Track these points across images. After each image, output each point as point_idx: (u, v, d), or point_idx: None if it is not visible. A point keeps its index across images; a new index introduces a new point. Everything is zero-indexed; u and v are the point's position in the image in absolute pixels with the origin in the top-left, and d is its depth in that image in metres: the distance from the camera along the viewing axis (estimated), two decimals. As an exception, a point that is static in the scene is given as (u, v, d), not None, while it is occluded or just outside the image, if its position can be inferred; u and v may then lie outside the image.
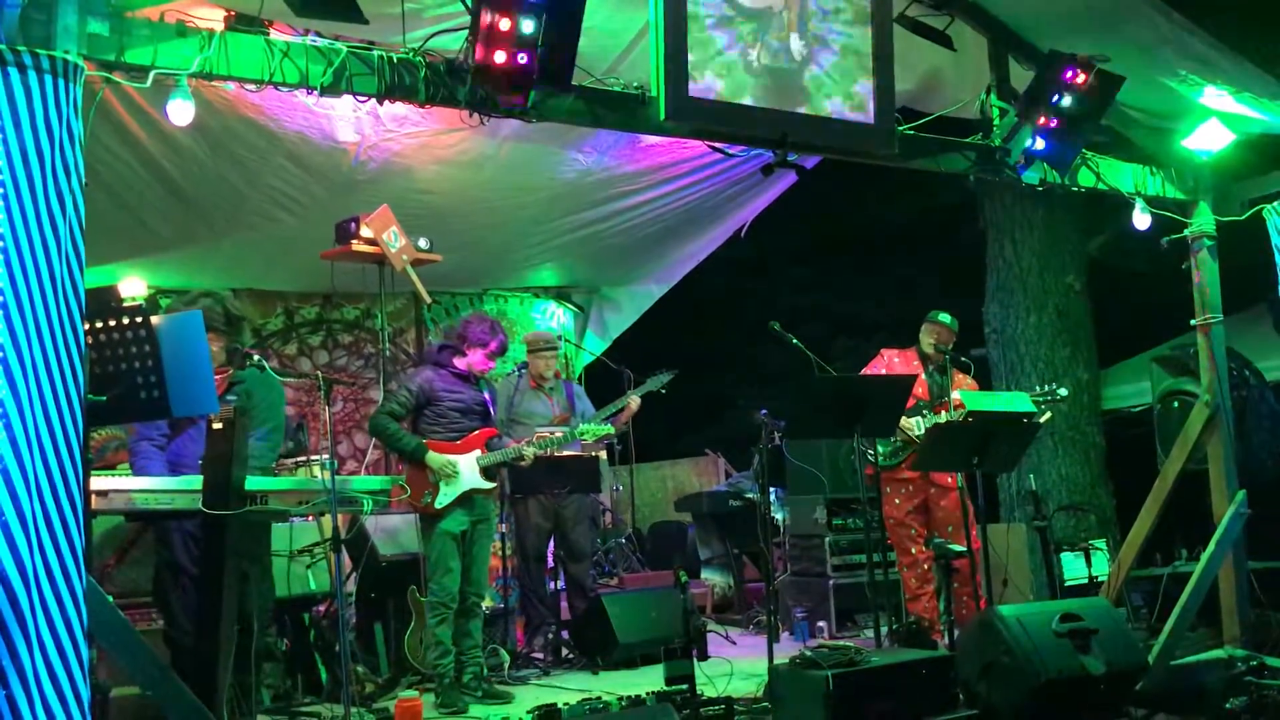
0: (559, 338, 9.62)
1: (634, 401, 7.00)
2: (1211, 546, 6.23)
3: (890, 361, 6.68)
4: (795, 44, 5.21)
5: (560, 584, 7.10)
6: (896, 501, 6.55)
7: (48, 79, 3.52)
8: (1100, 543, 7.65)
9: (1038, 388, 6.52)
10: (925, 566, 6.53)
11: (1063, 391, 6.43)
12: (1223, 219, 6.57)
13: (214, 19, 4.34)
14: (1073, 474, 8.78)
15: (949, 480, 6.43)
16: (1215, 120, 6.17)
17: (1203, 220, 6.58)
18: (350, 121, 6.24)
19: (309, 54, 4.39)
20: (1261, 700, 5.50)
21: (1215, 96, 6.05)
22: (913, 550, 6.53)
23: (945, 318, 6.61)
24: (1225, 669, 5.85)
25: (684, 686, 4.91)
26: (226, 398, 4.90)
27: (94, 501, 3.96)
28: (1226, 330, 6.61)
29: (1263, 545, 6.72)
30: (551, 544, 7.02)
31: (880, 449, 6.43)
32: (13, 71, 3.45)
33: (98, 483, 4.14)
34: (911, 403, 6.47)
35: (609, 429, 6.53)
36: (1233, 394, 6.54)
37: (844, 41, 5.33)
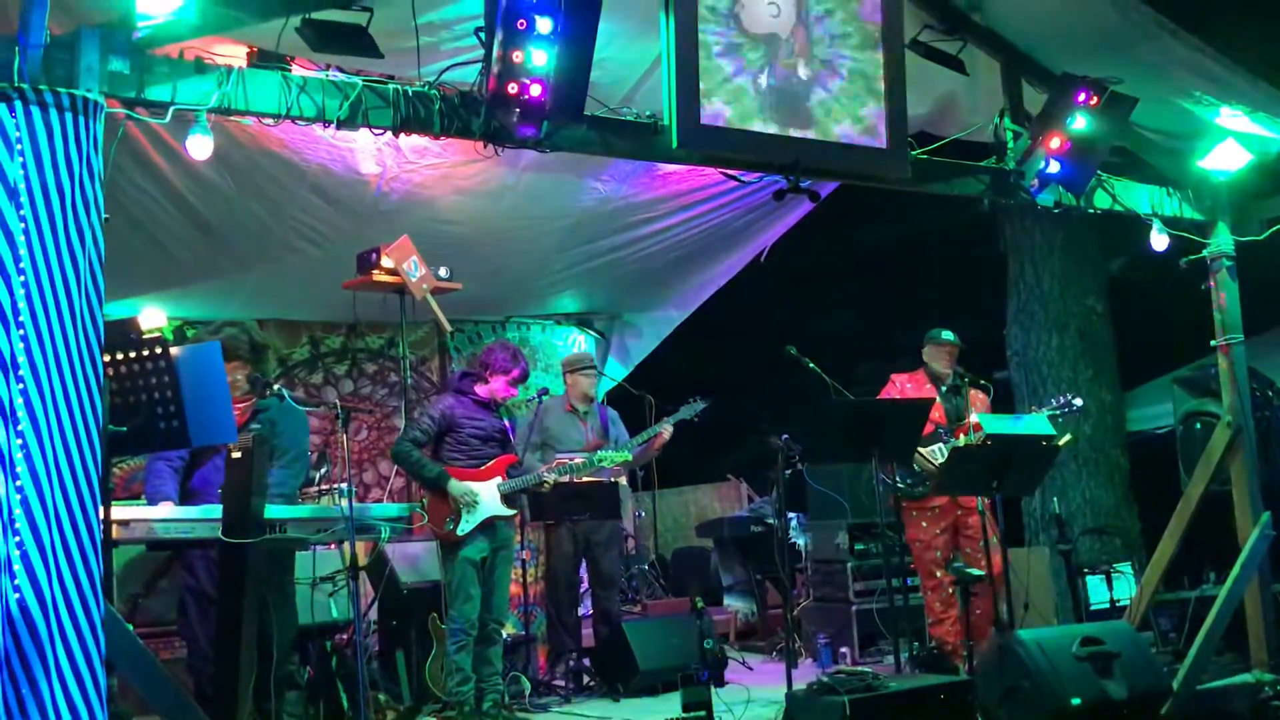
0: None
1: (666, 430, 6.91)
2: (1236, 569, 6.17)
3: (902, 387, 6.66)
4: (803, 69, 5.24)
5: (584, 610, 7.11)
6: (923, 525, 6.52)
7: (68, 116, 3.61)
8: (1125, 566, 7.58)
9: (1054, 400, 6.49)
10: (950, 590, 6.48)
11: (1078, 402, 6.40)
12: (1242, 239, 6.55)
13: (235, 55, 4.44)
14: (1097, 497, 8.72)
15: (974, 501, 6.41)
16: (1232, 140, 6.15)
17: (1221, 240, 6.55)
18: (372, 154, 6.34)
19: (325, 88, 4.47)
20: (1288, 725, 5.44)
21: (1230, 116, 6.04)
22: (937, 574, 6.50)
23: (950, 335, 6.61)
24: (1252, 694, 5.79)
25: (701, 713, 4.91)
26: (250, 426, 4.97)
27: (115, 531, 4.01)
28: (1248, 351, 6.57)
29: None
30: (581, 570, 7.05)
31: (902, 482, 6.42)
32: (34, 110, 3.55)
33: (119, 512, 4.20)
34: (930, 429, 6.45)
35: (628, 455, 6.55)
36: (1255, 415, 6.49)
37: (852, 66, 5.36)
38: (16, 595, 3.28)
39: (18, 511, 3.33)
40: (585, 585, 7.25)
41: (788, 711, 5.00)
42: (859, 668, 5.38)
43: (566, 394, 7.18)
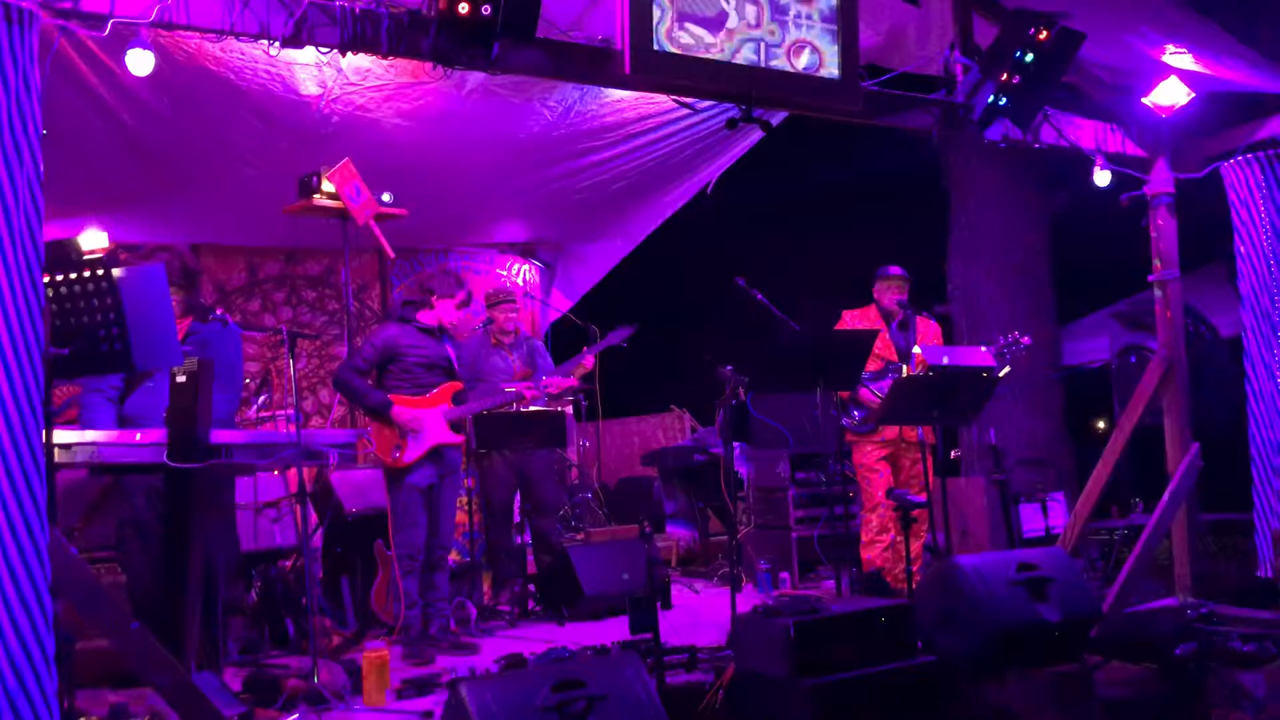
0: (526, 294, 9.64)
1: (588, 360, 6.98)
2: (1165, 498, 6.36)
3: (853, 324, 6.73)
4: (759, -2, 5.19)
5: (526, 538, 7.15)
6: (868, 449, 6.64)
7: (1, 27, 3.47)
8: (1059, 495, 7.77)
9: (1001, 339, 6.59)
10: (886, 515, 6.61)
11: (1026, 340, 6.51)
12: (1181, 176, 6.64)
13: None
14: (1033, 428, 8.90)
15: (914, 437, 6.53)
16: (1175, 78, 6.21)
17: (1162, 177, 6.64)
18: (313, 74, 6.18)
19: (269, 4, 4.34)
20: (1210, 647, 5.62)
21: (1174, 54, 6.09)
22: (878, 495, 6.62)
23: (898, 270, 6.69)
24: (1176, 617, 5.97)
25: (648, 635, 4.97)
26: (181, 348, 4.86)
27: (58, 455, 3.93)
28: (1183, 286, 6.70)
29: (1215, 497, 6.85)
30: (517, 498, 7.07)
31: (849, 417, 6.53)
32: (-34, 20, 3.41)
33: (62, 436, 4.11)
34: (879, 365, 6.53)
35: (571, 382, 6.58)
36: (1188, 349, 6.64)
37: (808, -5, 5.32)
38: (-41, 519, 3.22)
39: (-42, 434, 3.25)
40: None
41: (734, 634, 5.08)
42: (801, 593, 5.46)
43: (490, 326, 7.16)
